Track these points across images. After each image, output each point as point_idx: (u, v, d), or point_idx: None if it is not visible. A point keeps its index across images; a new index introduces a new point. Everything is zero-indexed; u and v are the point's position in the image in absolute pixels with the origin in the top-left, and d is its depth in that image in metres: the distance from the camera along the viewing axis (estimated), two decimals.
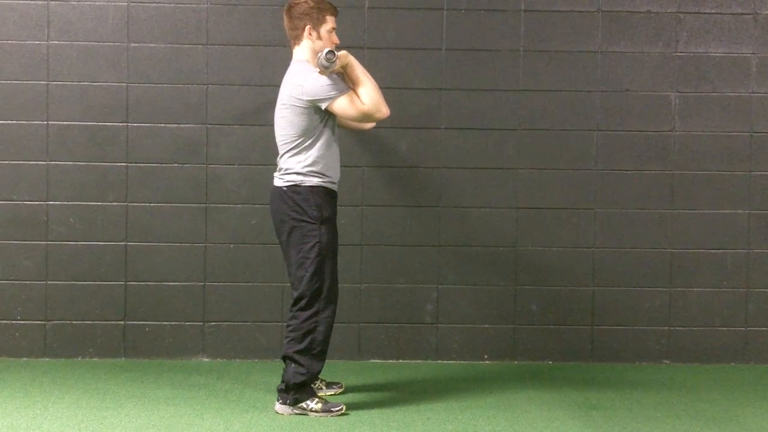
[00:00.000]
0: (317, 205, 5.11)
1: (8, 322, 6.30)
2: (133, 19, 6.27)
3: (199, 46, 6.30)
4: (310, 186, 5.11)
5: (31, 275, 6.29)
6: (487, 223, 6.40)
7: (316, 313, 5.11)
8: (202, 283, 6.34)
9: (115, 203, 6.28)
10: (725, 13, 6.40)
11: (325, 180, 5.16)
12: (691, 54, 6.41)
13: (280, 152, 5.24)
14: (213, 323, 6.36)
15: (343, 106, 5.05)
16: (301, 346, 5.10)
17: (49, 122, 6.26)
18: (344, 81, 5.19)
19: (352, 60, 5.17)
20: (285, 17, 5.30)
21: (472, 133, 6.37)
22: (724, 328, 6.47)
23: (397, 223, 6.35)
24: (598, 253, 6.42)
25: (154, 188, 6.30)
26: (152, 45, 6.29)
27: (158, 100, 6.29)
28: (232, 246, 6.32)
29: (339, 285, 5.37)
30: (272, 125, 5.96)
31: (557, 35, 6.38)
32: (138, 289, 6.32)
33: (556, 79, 6.38)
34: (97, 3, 6.26)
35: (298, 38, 5.25)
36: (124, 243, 6.30)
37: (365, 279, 6.38)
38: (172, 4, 6.29)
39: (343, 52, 5.14)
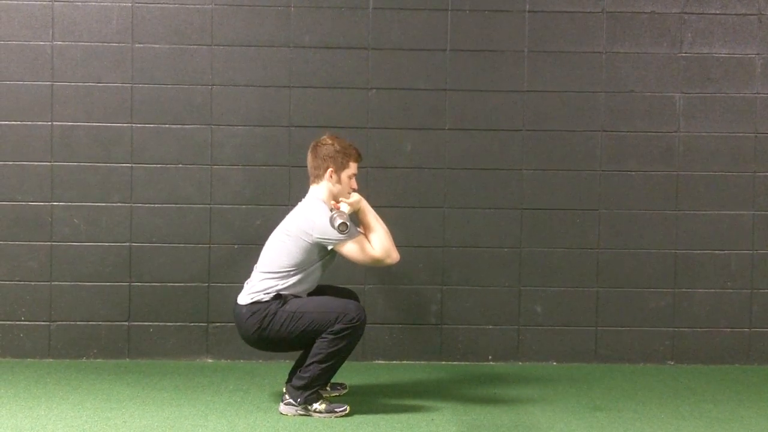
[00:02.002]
0: (272, 301, 5.11)
1: (12, 322, 6.30)
2: (138, 20, 6.28)
3: (204, 46, 6.30)
4: (267, 300, 5.12)
5: (35, 276, 6.29)
6: (492, 223, 6.40)
7: (348, 321, 5.10)
8: (207, 284, 6.34)
9: (119, 204, 6.29)
10: (730, 14, 6.40)
11: (285, 297, 5.16)
12: (696, 55, 6.41)
13: (259, 269, 5.24)
14: (217, 324, 6.37)
15: (352, 250, 5.08)
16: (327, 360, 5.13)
17: (54, 123, 6.26)
18: (356, 224, 5.21)
19: (365, 205, 5.24)
20: (309, 154, 5.31)
21: (476, 133, 6.37)
22: (728, 329, 6.47)
23: (402, 223, 6.34)
24: (603, 254, 6.42)
25: (158, 189, 6.30)
26: (157, 46, 6.29)
27: (163, 100, 6.29)
28: (236, 247, 6.33)
29: (342, 286, 5.39)
30: (276, 126, 6.00)
31: (562, 36, 6.38)
32: (142, 289, 6.32)
33: (561, 80, 6.38)
34: (101, 4, 6.26)
35: (318, 177, 5.26)
36: (128, 244, 6.31)
37: (369, 280, 6.38)
38: (177, 5, 6.29)
39: (356, 197, 5.23)
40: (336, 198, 5.23)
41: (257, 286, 5.17)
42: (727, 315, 6.46)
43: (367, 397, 5.56)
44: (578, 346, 6.45)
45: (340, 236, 5.02)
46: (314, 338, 5.09)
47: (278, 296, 5.11)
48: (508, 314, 6.43)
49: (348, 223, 5.00)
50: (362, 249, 5.09)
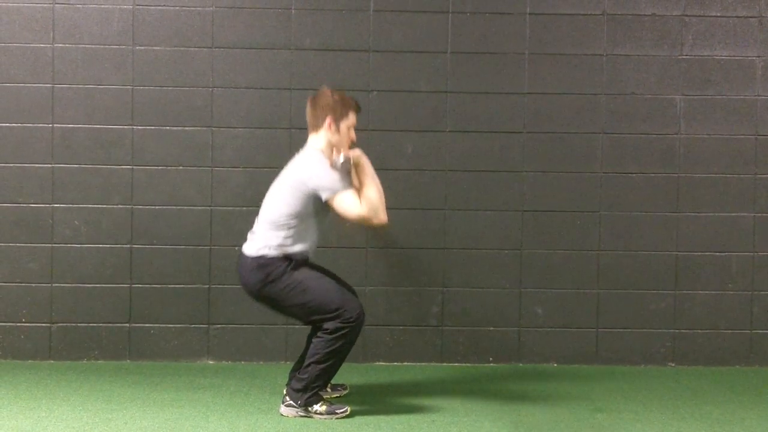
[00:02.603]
0: (281, 263, 5.12)
1: (13, 324, 6.31)
2: (139, 22, 6.28)
3: (204, 49, 6.30)
4: (274, 256, 5.13)
5: (36, 277, 6.29)
6: (493, 225, 6.40)
7: (346, 319, 5.11)
8: (207, 286, 6.35)
9: (120, 206, 6.29)
10: (730, 16, 6.41)
11: (293, 255, 5.16)
12: (697, 57, 6.41)
13: (261, 219, 5.25)
14: (218, 326, 6.37)
15: (342, 204, 5.05)
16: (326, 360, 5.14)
17: (55, 125, 6.27)
18: (351, 179, 5.20)
19: (364, 161, 5.20)
20: (308, 105, 5.32)
21: (477, 135, 6.37)
22: (729, 331, 6.47)
23: (403, 225, 6.34)
24: (603, 256, 6.42)
25: (159, 191, 6.31)
26: (157, 48, 6.30)
27: (163, 102, 6.30)
28: (237, 248, 6.30)
29: (346, 282, 5.40)
30: (277, 128, 6.00)
31: (562, 38, 6.38)
32: (143, 291, 6.33)
33: (562, 82, 6.38)
34: (102, 6, 6.27)
35: (317, 127, 5.27)
36: (129, 245, 6.31)
37: (370, 281, 6.38)
38: (177, 7, 6.29)
39: (357, 152, 5.19)
40: (335, 149, 5.21)
41: (261, 238, 5.17)
42: (727, 316, 6.46)
43: (368, 398, 5.56)
44: (579, 348, 6.45)
45: (333, 185, 5.02)
46: (308, 316, 5.14)
47: (288, 258, 5.12)
48: (508, 316, 6.43)
49: (350, 160, 5.05)
50: (351, 204, 5.04)
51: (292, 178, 5.15)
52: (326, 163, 5.10)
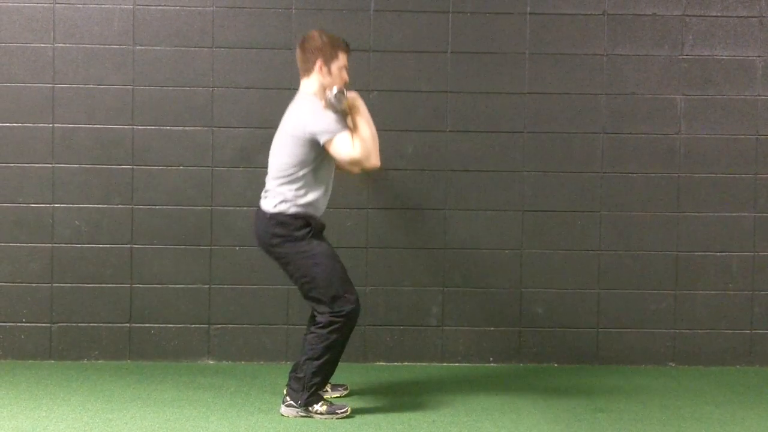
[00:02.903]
0: (303, 223, 5.13)
1: (14, 324, 6.31)
2: (139, 22, 6.28)
3: (205, 49, 6.30)
4: (293, 214, 5.13)
5: (36, 277, 6.29)
6: (493, 225, 6.40)
7: (339, 313, 5.12)
8: (208, 286, 6.35)
9: (120, 206, 6.29)
10: (731, 16, 6.40)
11: (309, 210, 5.16)
12: (697, 57, 6.41)
13: (271, 176, 5.24)
14: (218, 325, 6.37)
15: (336, 146, 5.04)
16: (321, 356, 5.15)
17: (55, 125, 6.27)
18: (347, 122, 5.20)
19: (360, 103, 5.18)
20: (298, 49, 5.30)
21: (477, 135, 6.37)
22: (729, 331, 6.47)
23: (403, 225, 6.35)
24: (604, 256, 6.42)
25: (159, 190, 6.30)
26: (158, 48, 6.30)
27: (164, 102, 6.30)
28: (237, 248, 6.33)
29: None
30: (277, 127, 5.97)
31: (563, 38, 6.38)
32: (143, 291, 6.33)
33: (562, 82, 6.38)
34: (102, 6, 6.27)
35: (308, 71, 5.25)
36: (129, 245, 6.31)
37: (370, 282, 6.38)
38: (178, 7, 6.29)
39: (352, 94, 5.17)
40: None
41: (275, 194, 5.17)
42: (728, 316, 6.46)
43: (369, 398, 5.57)
44: (579, 348, 6.45)
45: (329, 126, 5.01)
46: (305, 290, 5.17)
47: (307, 223, 5.13)
48: (509, 316, 6.43)
49: (343, 92, 5.03)
50: (345, 146, 5.03)
51: (290, 126, 5.15)
52: (320, 106, 5.10)
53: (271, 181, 5.23)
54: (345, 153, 5.03)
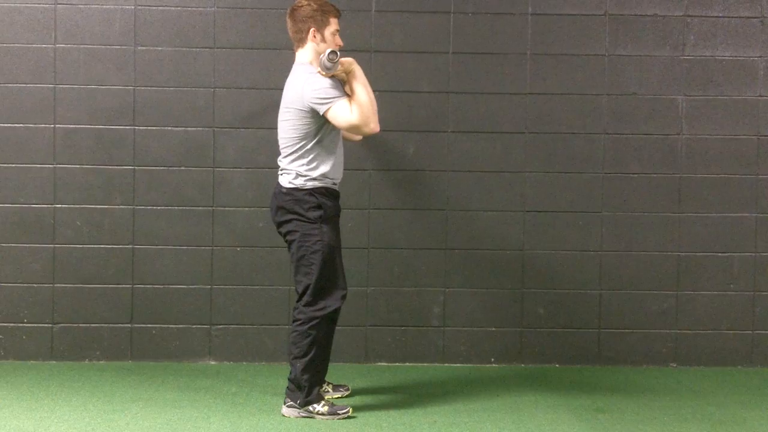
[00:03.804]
0: (317, 205, 5.13)
1: (15, 324, 6.31)
2: (140, 23, 6.28)
3: (206, 49, 6.30)
4: (310, 188, 5.13)
5: (38, 278, 6.29)
6: (494, 226, 6.40)
7: (321, 309, 5.14)
8: (209, 286, 6.35)
9: (121, 206, 6.29)
10: (732, 17, 6.40)
11: (326, 182, 5.17)
12: (699, 57, 6.41)
13: (282, 153, 5.25)
14: (220, 326, 6.37)
15: (335, 113, 5.03)
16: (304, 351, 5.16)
17: (56, 125, 6.27)
18: (344, 89, 5.19)
19: (356, 68, 5.16)
20: (288, 20, 5.28)
21: (479, 136, 6.37)
22: (730, 332, 6.46)
23: (404, 226, 6.35)
24: (605, 256, 6.42)
25: (160, 191, 6.30)
26: (159, 48, 6.30)
27: (165, 103, 6.30)
28: (239, 249, 6.33)
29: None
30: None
31: (564, 38, 6.38)
32: (145, 291, 6.33)
33: (563, 83, 6.38)
34: (104, 6, 6.27)
35: (302, 41, 5.24)
36: (130, 246, 6.31)
37: (372, 282, 6.38)
38: (179, 8, 6.29)
39: (349, 59, 5.16)
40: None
41: (288, 170, 5.19)
42: (729, 317, 6.46)
43: (370, 398, 5.57)
44: (581, 348, 6.45)
45: (327, 92, 5.01)
46: (297, 271, 5.19)
47: (320, 206, 5.13)
48: (510, 316, 6.43)
49: (337, 54, 5.00)
50: (344, 112, 5.02)
51: (289, 99, 5.16)
52: (316, 73, 5.09)
53: (283, 159, 5.24)
54: (343, 119, 5.03)
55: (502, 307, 6.43)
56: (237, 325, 6.36)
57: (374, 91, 6.15)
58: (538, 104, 6.38)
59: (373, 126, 5.11)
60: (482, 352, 6.45)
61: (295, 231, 5.15)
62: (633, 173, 6.41)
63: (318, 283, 5.12)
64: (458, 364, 6.43)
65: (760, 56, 6.42)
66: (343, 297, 5.21)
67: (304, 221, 5.12)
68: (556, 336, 6.45)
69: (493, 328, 6.43)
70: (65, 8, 6.26)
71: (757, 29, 6.42)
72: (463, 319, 6.42)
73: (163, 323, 6.34)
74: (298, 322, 5.13)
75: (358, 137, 5.65)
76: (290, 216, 5.16)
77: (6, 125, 6.26)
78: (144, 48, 6.29)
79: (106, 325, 6.33)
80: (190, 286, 6.34)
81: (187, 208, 6.32)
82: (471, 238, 6.40)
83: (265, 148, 6.29)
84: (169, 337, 6.35)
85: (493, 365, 6.44)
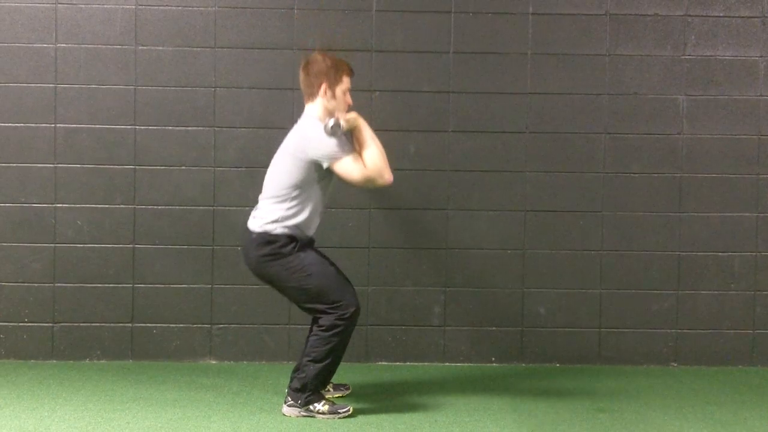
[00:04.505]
0: (289, 237, 5.12)
1: (16, 324, 6.31)
2: (141, 22, 6.28)
3: (207, 49, 6.31)
4: (279, 233, 5.12)
5: (38, 277, 6.30)
6: (495, 225, 6.40)
7: (342, 310, 5.12)
8: (210, 286, 6.35)
9: (122, 206, 6.30)
10: (733, 17, 6.40)
11: (296, 232, 5.14)
12: (699, 57, 6.41)
13: (265, 194, 5.23)
14: (220, 325, 6.37)
15: (346, 168, 5.05)
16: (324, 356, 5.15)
17: (57, 125, 6.27)
18: (351, 143, 5.19)
19: (361, 123, 5.19)
20: (301, 72, 5.28)
21: (480, 135, 6.37)
22: (731, 331, 6.46)
23: (405, 225, 6.35)
24: (606, 256, 6.42)
25: (161, 191, 6.31)
26: (160, 48, 6.30)
27: (166, 102, 6.30)
28: (239, 248, 6.30)
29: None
30: (279, 128, 5.98)
31: (565, 38, 6.38)
32: (145, 291, 6.33)
33: (564, 82, 6.38)
34: (104, 6, 6.28)
35: (312, 95, 5.23)
36: (131, 245, 6.31)
37: (372, 281, 6.38)
38: (180, 7, 6.30)
39: (353, 115, 5.18)
40: (332, 115, 5.17)
41: (264, 212, 5.16)
42: (730, 317, 6.46)
43: (370, 398, 5.57)
44: (581, 348, 6.45)
45: (333, 151, 5.00)
46: (305, 301, 5.15)
47: (293, 239, 5.10)
48: (511, 316, 6.43)
49: (342, 125, 4.99)
50: (355, 166, 5.04)
51: (291, 147, 5.13)
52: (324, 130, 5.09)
53: (264, 200, 5.22)
54: (357, 174, 5.05)
55: (502, 307, 6.43)
56: (238, 324, 6.36)
57: (375, 91, 6.21)
58: (538, 104, 6.38)
59: (387, 177, 5.13)
60: (483, 352, 6.45)
61: (278, 273, 5.13)
62: (634, 173, 6.41)
63: (326, 300, 5.10)
64: (459, 364, 6.43)
65: (761, 56, 6.42)
66: (356, 301, 5.19)
67: (281, 257, 5.10)
68: (556, 335, 6.45)
69: (494, 328, 6.43)
70: (66, 8, 6.27)
71: (757, 29, 6.42)
72: (463, 319, 6.42)
73: (164, 323, 6.35)
74: (322, 328, 5.09)
75: (369, 187, 5.55)
76: (265, 259, 5.13)
77: (7, 125, 6.26)
78: (145, 48, 6.30)
79: (106, 324, 6.33)
80: (191, 286, 6.35)
81: (187, 207, 6.32)
82: (471, 238, 6.40)
83: (265, 148, 6.26)
84: (169, 336, 6.36)
85: (494, 365, 6.45)
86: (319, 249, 5.35)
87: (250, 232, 5.19)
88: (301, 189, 5.10)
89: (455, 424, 5.04)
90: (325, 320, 5.09)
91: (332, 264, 5.31)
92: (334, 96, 5.21)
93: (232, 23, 6.31)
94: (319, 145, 5.02)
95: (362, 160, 5.09)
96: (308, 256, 5.13)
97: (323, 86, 5.19)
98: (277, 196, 5.13)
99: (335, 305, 5.08)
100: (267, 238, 5.11)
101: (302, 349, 5.28)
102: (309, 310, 5.20)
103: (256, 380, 5.95)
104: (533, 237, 6.41)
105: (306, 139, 5.07)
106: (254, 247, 5.15)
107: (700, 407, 5.48)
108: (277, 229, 5.10)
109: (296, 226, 5.12)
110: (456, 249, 6.40)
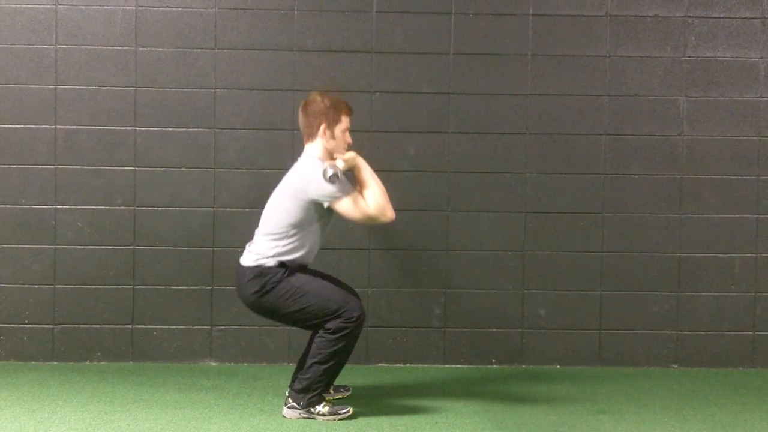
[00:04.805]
0: (279, 265, 5.11)
1: (16, 325, 6.31)
2: (141, 24, 6.28)
3: (207, 50, 6.31)
4: (272, 265, 5.12)
5: (39, 279, 6.30)
6: (495, 227, 6.40)
7: (346, 315, 5.11)
8: (210, 287, 6.35)
9: (123, 207, 6.29)
10: (733, 18, 6.40)
11: (292, 264, 5.15)
12: (700, 58, 6.41)
13: (262, 231, 5.23)
14: (221, 327, 6.37)
15: (347, 207, 5.05)
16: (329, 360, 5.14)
17: (57, 126, 6.27)
18: (352, 181, 5.20)
19: (360, 162, 5.20)
20: (300, 113, 5.29)
21: (480, 137, 6.37)
22: (731, 333, 6.46)
23: (405, 227, 6.35)
24: (606, 257, 6.42)
25: (161, 192, 6.31)
26: (160, 49, 6.30)
27: (166, 104, 6.30)
28: (239, 250, 6.30)
29: (348, 286, 5.43)
30: (279, 129, 5.99)
31: (565, 39, 6.38)
32: (146, 292, 6.33)
33: (565, 84, 6.38)
34: (105, 7, 6.27)
35: (311, 136, 5.24)
36: (132, 247, 6.31)
37: (373, 283, 6.38)
38: (180, 8, 6.30)
39: (351, 154, 5.19)
40: (332, 154, 5.20)
41: (260, 248, 5.15)
42: (730, 318, 6.46)
43: (371, 399, 5.56)
44: (582, 349, 6.45)
45: (334, 192, 5.00)
46: (309, 321, 5.12)
47: (283, 265, 5.10)
48: (511, 317, 6.43)
49: (339, 175, 4.97)
50: (357, 205, 5.06)
51: (291, 187, 5.13)
52: (323, 166, 5.07)
53: (260, 236, 5.23)
54: (359, 213, 5.07)
55: (502, 308, 6.43)
56: (238, 326, 6.36)
57: (375, 92, 6.20)
58: (538, 105, 6.38)
59: (390, 214, 5.15)
60: (483, 353, 6.45)
61: (274, 303, 5.11)
62: (634, 174, 6.41)
63: (328, 312, 5.07)
64: (459, 365, 6.43)
65: (761, 57, 6.42)
66: (360, 304, 5.19)
67: (273, 287, 5.09)
68: (556, 337, 6.45)
69: (494, 329, 6.43)
70: (66, 9, 6.26)
71: (758, 30, 6.41)
72: (463, 320, 6.42)
73: (164, 324, 6.35)
74: (329, 330, 5.08)
75: (371, 224, 5.53)
76: (258, 294, 5.12)
77: (7, 126, 6.26)
78: (145, 49, 6.30)
79: (107, 326, 6.33)
80: (191, 287, 6.34)
81: (188, 208, 6.32)
82: (472, 239, 6.40)
83: (266, 149, 6.29)
84: (170, 338, 6.35)
85: (494, 366, 6.44)
86: (316, 264, 5.36)
87: (242, 268, 5.20)
88: (299, 227, 5.12)
89: (455, 426, 5.04)
90: (332, 324, 5.08)
91: (327, 277, 5.31)
92: (333, 136, 5.22)
93: (232, 24, 6.31)
94: (320, 185, 5.02)
95: (363, 198, 5.11)
96: (298, 278, 5.12)
97: (322, 126, 5.20)
98: (275, 234, 5.14)
99: (338, 312, 5.07)
100: (259, 271, 5.10)
101: (302, 350, 5.28)
102: (316, 326, 5.17)
103: (257, 382, 5.95)
104: (533, 238, 6.41)
105: (306, 180, 5.08)
106: (246, 284, 5.15)
107: (701, 409, 5.48)
108: (270, 261, 5.11)
109: (292, 261, 5.14)
110: (456, 250, 6.40)
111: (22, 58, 6.27)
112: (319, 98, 5.25)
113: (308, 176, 5.08)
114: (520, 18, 6.36)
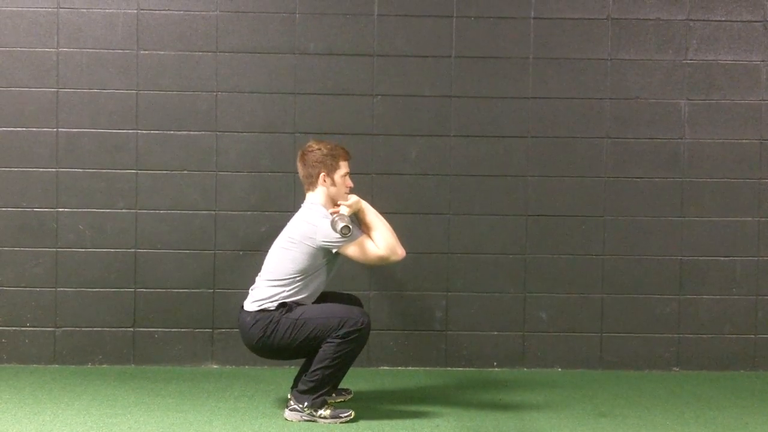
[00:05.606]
0: (277, 311, 5.12)
1: (18, 328, 6.31)
2: (143, 27, 6.29)
3: (209, 53, 6.31)
4: (273, 310, 5.13)
5: (40, 282, 6.30)
6: (497, 230, 6.40)
7: (351, 323, 5.10)
8: (212, 290, 6.35)
9: (124, 210, 6.30)
10: (735, 21, 6.40)
11: (291, 302, 5.15)
12: (701, 61, 6.41)
13: (265, 276, 5.24)
14: (222, 330, 6.37)
15: (357, 252, 5.08)
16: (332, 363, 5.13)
17: (59, 129, 6.27)
18: (358, 225, 5.21)
19: (364, 205, 5.23)
20: (299, 163, 5.32)
21: (481, 140, 6.37)
22: (733, 336, 6.46)
23: (406, 230, 6.33)
24: (608, 261, 6.42)
25: (163, 195, 6.31)
26: (162, 52, 6.30)
27: (168, 107, 6.30)
28: (241, 253, 6.33)
29: (348, 293, 5.42)
30: (281, 132, 6.00)
31: (567, 43, 6.38)
32: (147, 295, 6.33)
33: (566, 87, 6.38)
34: (106, 10, 6.28)
35: (312, 184, 5.27)
36: (133, 250, 6.31)
37: (374, 286, 6.38)
38: (182, 12, 6.30)
39: (354, 198, 5.21)
40: (334, 200, 5.24)
41: (263, 294, 5.16)
42: (732, 321, 6.45)
43: (372, 402, 5.56)
44: (583, 353, 6.45)
45: (343, 239, 5.02)
46: (318, 345, 5.09)
47: (283, 304, 5.11)
48: (513, 320, 6.43)
49: (350, 226, 4.98)
50: (367, 249, 5.08)
51: (297, 234, 5.14)
52: (330, 218, 5.07)
53: (263, 282, 5.24)
54: (368, 256, 5.10)
55: (504, 311, 6.43)
56: (238, 329, 6.35)
57: (376, 95, 6.19)
58: (540, 108, 6.38)
59: (401, 252, 5.17)
60: (484, 356, 6.45)
61: (280, 343, 5.10)
62: (635, 177, 6.41)
63: (333, 328, 5.05)
64: (460, 368, 6.43)
65: (763, 60, 6.42)
66: (364, 311, 5.19)
67: (275, 328, 5.08)
68: (558, 340, 6.45)
69: (496, 332, 6.43)
70: (68, 12, 6.27)
71: (759, 33, 6.42)
72: (465, 323, 6.42)
73: (166, 327, 6.35)
74: (336, 336, 5.09)
75: (381, 264, 5.52)
76: (264, 339, 5.11)
77: (9, 129, 6.26)
78: (146, 52, 6.30)
79: (108, 329, 6.33)
80: (193, 290, 6.34)
81: (189, 212, 6.32)
82: (473, 242, 6.40)
83: (267, 153, 6.29)
84: (171, 341, 6.35)
85: (496, 369, 6.44)
86: None
87: (245, 313, 5.21)
88: (306, 273, 5.14)
89: (457, 429, 5.03)
90: (339, 331, 5.08)
91: (322, 300, 5.32)
92: (333, 183, 5.26)
93: (233, 27, 6.31)
94: (328, 232, 5.03)
95: (372, 240, 5.12)
96: (296, 311, 5.11)
97: (322, 175, 5.24)
98: (280, 279, 5.16)
99: (343, 323, 5.05)
100: (259, 317, 5.12)
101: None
102: (318, 349, 5.14)
103: (258, 385, 5.95)
104: (535, 241, 6.41)
105: (314, 227, 5.09)
106: (249, 330, 5.15)
107: (702, 412, 5.48)
108: (273, 306, 5.13)
109: (295, 302, 5.16)
110: (457, 253, 6.40)
111: (24, 61, 6.27)
112: (315, 146, 5.28)
113: (315, 224, 5.09)
114: (522, 21, 6.37)
